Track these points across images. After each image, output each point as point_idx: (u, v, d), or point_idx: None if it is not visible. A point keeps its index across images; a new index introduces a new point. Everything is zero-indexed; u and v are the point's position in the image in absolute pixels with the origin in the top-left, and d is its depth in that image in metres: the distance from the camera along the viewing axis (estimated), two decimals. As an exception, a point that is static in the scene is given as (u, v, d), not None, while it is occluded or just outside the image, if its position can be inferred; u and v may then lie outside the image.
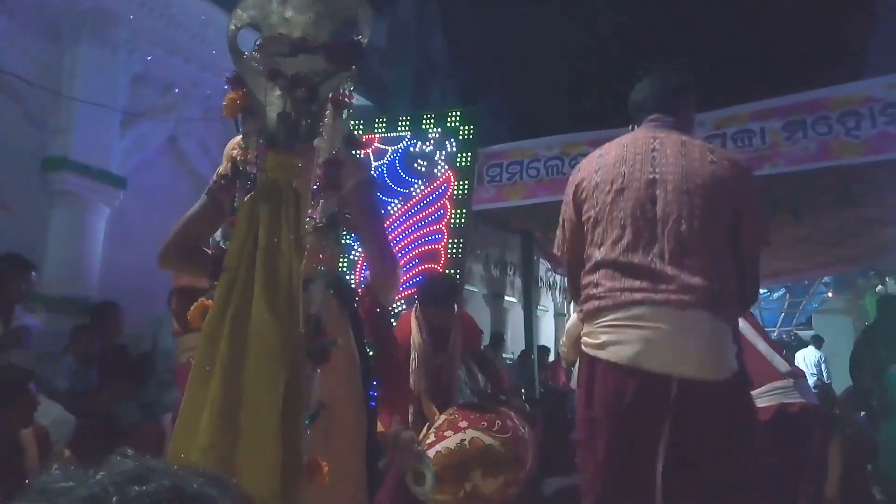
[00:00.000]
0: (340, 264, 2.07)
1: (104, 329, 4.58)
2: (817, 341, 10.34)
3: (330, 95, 1.50)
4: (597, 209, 1.87)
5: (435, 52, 9.49)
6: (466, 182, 6.67)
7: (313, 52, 1.48)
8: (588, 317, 1.85)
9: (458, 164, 6.74)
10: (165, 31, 5.53)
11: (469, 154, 6.76)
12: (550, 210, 7.04)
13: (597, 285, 1.82)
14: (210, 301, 1.30)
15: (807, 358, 9.94)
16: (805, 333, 13.98)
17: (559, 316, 13.12)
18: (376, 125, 7.42)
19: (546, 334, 12.30)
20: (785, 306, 13.73)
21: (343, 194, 1.76)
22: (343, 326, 1.82)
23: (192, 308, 1.37)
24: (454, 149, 6.83)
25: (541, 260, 10.16)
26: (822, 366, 10.13)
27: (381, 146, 7.35)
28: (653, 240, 1.78)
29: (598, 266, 1.84)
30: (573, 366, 2.11)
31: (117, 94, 5.29)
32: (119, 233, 5.22)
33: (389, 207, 7.04)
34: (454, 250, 6.59)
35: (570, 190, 1.98)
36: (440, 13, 9.58)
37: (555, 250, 2.03)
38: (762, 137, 5.41)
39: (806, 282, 11.63)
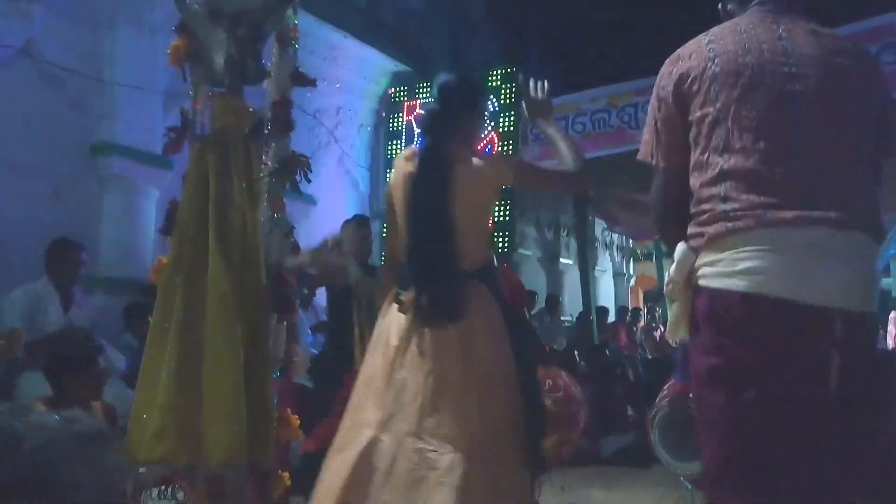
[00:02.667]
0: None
1: (160, 307, 4.70)
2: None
3: (275, 32, 1.44)
4: (718, 106, 1.52)
5: (473, 11, 9.26)
6: (511, 143, 6.54)
7: None
8: (714, 241, 1.49)
9: (500, 127, 6.61)
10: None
11: (512, 115, 6.62)
12: (602, 166, 6.87)
13: (726, 200, 1.48)
14: (167, 258, 1.27)
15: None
16: (886, 282, 13.26)
17: (618, 276, 12.88)
18: (417, 90, 7.34)
19: (605, 295, 12.10)
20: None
21: (500, 182, 2.15)
22: (490, 308, 2.08)
23: (152, 268, 1.34)
24: (496, 110, 6.70)
25: (596, 219, 9.93)
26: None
27: (424, 112, 7.26)
28: (797, 147, 1.47)
29: (725, 176, 1.49)
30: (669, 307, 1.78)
31: (158, 76, 5.35)
32: (169, 213, 5.33)
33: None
34: (502, 212, 6.50)
35: (668, 82, 1.62)
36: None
37: (641, 156, 1.70)
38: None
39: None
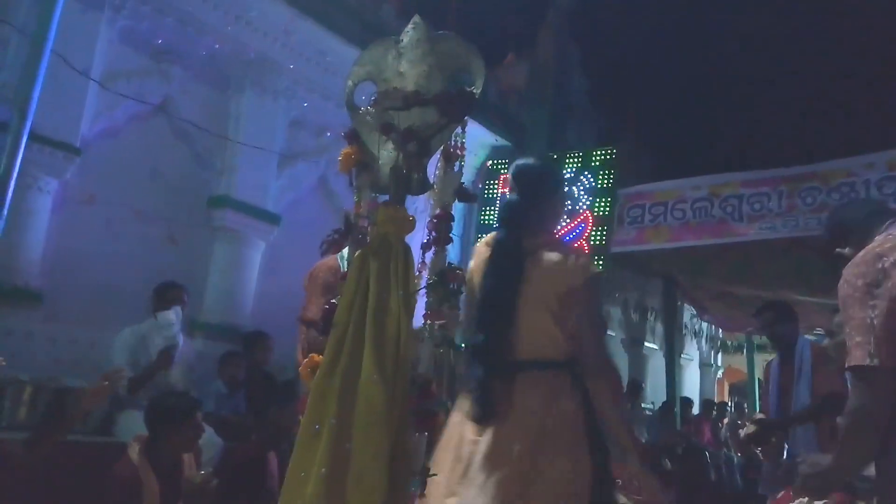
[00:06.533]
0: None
1: (253, 356, 4.84)
2: None
3: (441, 148, 1.51)
4: None
5: (574, 93, 9.43)
6: (605, 227, 6.50)
7: (426, 105, 1.47)
8: None
9: (595, 208, 6.59)
10: (321, 78, 5.90)
11: (607, 198, 6.60)
12: (696, 253, 6.72)
13: None
14: (320, 357, 1.30)
15: None
16: None
17: (705, 366, 12.34)
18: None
19: (690, 385, 11.60)
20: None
21: (567, 292, 2.00)
22: (575, 404, 1.96)
23: (302, 364, 1.38)
24: (592, 190, 6.70)
25: (685, 305, 9.63)
26: None
27: (502, 203, 7.34)
28: None
29: None
30: None
31: (276, 138, 5.69)
32: (271, 266, 5.55)
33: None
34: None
35: (885, 279, 1.64)
36: (580, 54, 9.53)
37: (857, 362, 1.62)
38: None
39: None
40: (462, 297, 1.81)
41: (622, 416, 2.20)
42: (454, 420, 2.00)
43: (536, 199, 2.15)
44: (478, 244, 2.26)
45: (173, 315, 4.13)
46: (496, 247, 2.11)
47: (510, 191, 2.19)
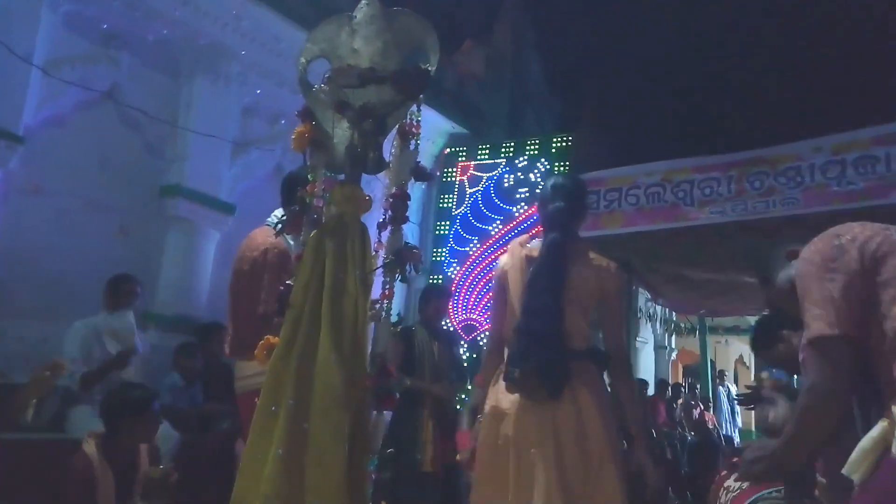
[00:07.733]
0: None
1: (209, 347, 4.77)
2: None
3: (397, 126, 1.49)
4: None
5: (532, 80, 9.48)
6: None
7: (381, 82, 1.46)
8: None
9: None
10: (275, 64, 5.81)
11: (565, 181, 6.68)
12: (650, 238, 6.84)
13: None
14: (276, 338, 1.29)
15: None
16: None
17: (660, 349, 12.61)
18: (471, 152, 7.49)
19: (645, 367, 11.84)
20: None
21: (602, 297, 2.35)
22: (602, 387, 2.32)
23: (258, 345, 1.36)
24: (548, 177, 6.78)
25: (640, 290, 9.80)
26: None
27: (477, 173, 7.41)
28: None
29: None
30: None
31: (229, 125, 5.59)
32: (226, 256, 5.45)
33: (481, 234, 7.06)
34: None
35: (842, 254, 1.67)
36: (537, 40, 9.58)
37: (817, 333, 1.62)
38: (887, 164, 5.01)
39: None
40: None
41: (635, 403, 2.58)
42: (488, 412, 2.30)
43: (576, 208, 2.51)
44: (511, 244, 2.55)
45: (130, 315, 4.10)
46: (549, 247, 2.39)
47: (553, 200, 2.50)
